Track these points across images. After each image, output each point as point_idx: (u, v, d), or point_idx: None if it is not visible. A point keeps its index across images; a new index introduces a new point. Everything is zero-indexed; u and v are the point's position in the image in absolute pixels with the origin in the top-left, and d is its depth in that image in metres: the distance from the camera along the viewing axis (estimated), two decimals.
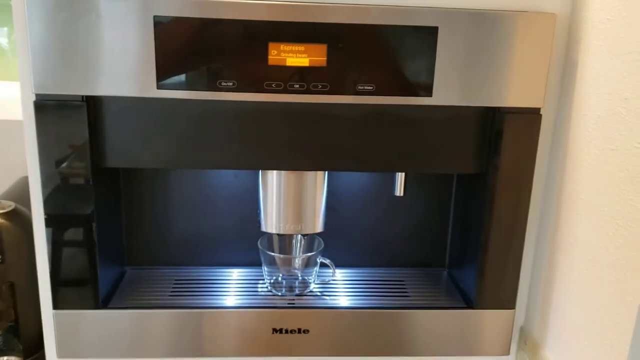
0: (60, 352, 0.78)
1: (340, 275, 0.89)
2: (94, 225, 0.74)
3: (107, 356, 0.79)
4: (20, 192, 1.14)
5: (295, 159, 0.75)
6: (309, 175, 0.80)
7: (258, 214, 0.83)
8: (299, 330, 0.80)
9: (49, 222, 0.74)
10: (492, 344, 0.83)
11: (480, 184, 0.78)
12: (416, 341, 0.82)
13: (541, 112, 0.74)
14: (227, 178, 0.87)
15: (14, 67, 1.04)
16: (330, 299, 0.83)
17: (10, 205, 1.03)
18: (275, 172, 0.79)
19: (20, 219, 1.03)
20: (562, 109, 0.77)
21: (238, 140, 0.73)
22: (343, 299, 0.83)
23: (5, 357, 1.06)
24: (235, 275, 0.88)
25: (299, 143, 0.74)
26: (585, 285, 0.70)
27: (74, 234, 0.74)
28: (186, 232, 0.89)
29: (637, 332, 0.58)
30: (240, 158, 0.74)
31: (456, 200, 0.89)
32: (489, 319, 0.82)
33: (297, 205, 0.81)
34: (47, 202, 0.73)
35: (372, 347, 0.81)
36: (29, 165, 0.73)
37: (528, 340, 0.83)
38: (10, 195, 1.13)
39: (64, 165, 0.72)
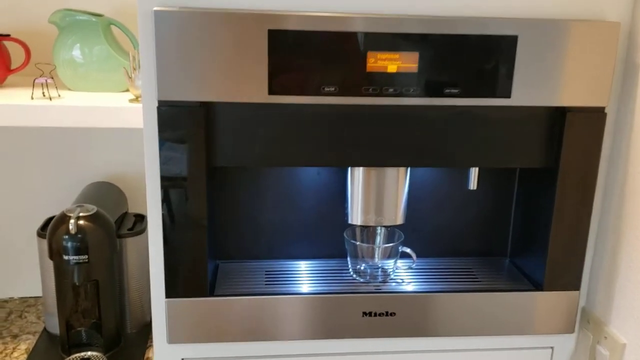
0: (171, 337, 0.85)
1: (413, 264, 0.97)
2: (205, 220, 0.81)
3: (214, 340, 0.86)
4: (94, 197, 1.21)
5: (384, 157, 0.83)
6: (392, 171, 0.88)
7: (345, 207, 0.90)
8: (386, 313, 0.88)
9: (166, 218, 0.81)
10: (558, 323, 0.91)
11: (547, 178, 0.87)
12: (491, 322, 0.90)
13: (605, 111, 0.83)
14: (310, 176, 0.95)
15: (92, 78, 1.11)
16: (412, 285, 0.91)
17: (93, 208, 1.10)
18: (362, 168, 0.88)
19: (102, 221, 1.10)
20: (624, 108, 0.85)
21: (336, 140, 0.81)
22: (423, 285, 0.91)
23: (89, 352, 1.12)
24: (319, 265, 0.96)
25: (388, 142, 0.82)
26: None
27: (186, 229, 0.81)
28: (272, 227, 0.96)
29: None
30: (337, 156, 0.82)
31: (518, 194, 0.97)
32: (556, 300, 0.90)
33: (381, 199, 0.89)
34: (165, 199, 0.80)
35: (451, 328, 0.89)
36: (147, 167, 0.80)
37: (591, 319, 0.91)
38: (84, 199, 1.19)
39: (181, 164, 0.79)
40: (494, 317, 0.90)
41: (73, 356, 1.11)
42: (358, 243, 0.92)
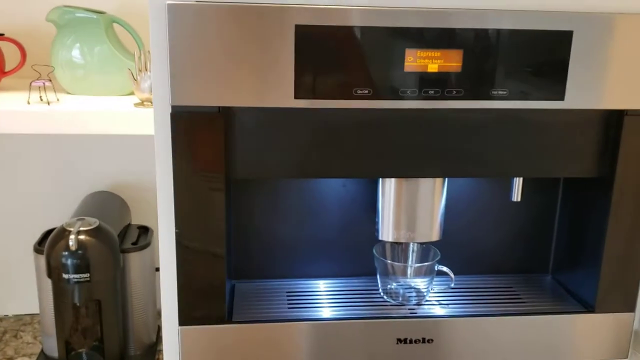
0: None
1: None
2: (224, 238, 0.73)
3: None
4: (95, 208, 1.13)
5: (420, 166, 0.75)
6: (428, 182, 0.79)
7: (376, 222, 0.82)
8: (423, 340, 0.79)
9: (180, 235, 0.72)
10: (610, 348, 0.83)
11: (600, 188, 0.79)
12: (536, 347, 0.81)
13: None
14: (335, 188, 0.87)
15: (93, 80, 1.02)
16: (451, 307, 0.82)
17: (95, 222, 1.02)
18: (394, 180, 0.79)
19: (104, 236, 1.01)
20: None
21: (368, 149, 0.73)
22: (462, 307, 0.83)
23: None
24: (345, 285, 0.87)
25: (426, 150, 0.74)
26: None
27: (203, 246, 0.73)
28: (292, 243, 0.87)
29: None
30: (369, 166, 0.74)
31: (562, 206, 0.89)
32: (609, 322, 0.82)
33: (414, 213, 0.80)
34: (179, 213, 0.72)
35: (496, 355, 0.81)
36: (158, 178, 0.72)
37: None
38: (85, 211, 1.11)
39: (197, 176, 0.70)
40: (540, 342, 0.82)
41: None
42: (389, 261, 0.83)
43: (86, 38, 1.00)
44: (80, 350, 1.04)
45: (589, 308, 0.82)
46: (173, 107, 0.69)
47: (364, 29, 0.68)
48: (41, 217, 1.21)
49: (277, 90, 0.68)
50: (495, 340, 0.80)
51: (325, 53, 0.68)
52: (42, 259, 1.05)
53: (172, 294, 0.75)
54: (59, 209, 1.21)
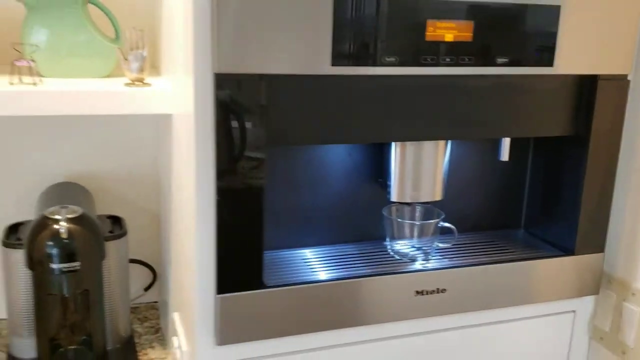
0: (221, 338, 0.77)
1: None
2: (263, 204, 0.75)
3: (268, 337, 0.79)
4: (60, 199, 1.07)
5: (435, 130, 0.82)
6: (433, 146, 0.87)
7: (387, 186, 0.88)
8: (438, 290, 0.86)
9: (220, 203, 0.73)
10: (584, 286, 0.95)
11: (575, 145, 0.90)
12: (529, 287, 0.91)
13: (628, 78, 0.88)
14: (341, 157, 0.91)
15: (67, 63, 0.98)
16: (455, 260, 0.90)
17: (78, 209, 0.98)
18: (407, 143, 0.85)
19: (89, 224, 0.98)
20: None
21: (393, 113, 0.78)
22: (465, 259, 0.91)
23: None
24: (358, 248, 0.92)
25: (440, 114, 0.81)
26: None
27: (242, 213, 0.74)
28: (303, 212, 0.91)
29: None
30: (396, 130, 0.79)
31: (532, 165, 1.00)
32: (585, 262, 0.93)
33: (421, 175, 0.87)
34: (220, 181, 0.72)
35: (496, 297, 0.89)
36: (197, 147, 0.72)
37: (613, 280, 0.96)
38: (50, 202, 1.05)
39: (238, 143, 0.72)
40: (530, 283, 0.92)
41: None
42: (399, 220, 0.89)
43: (60, 20, 0.96)
44: (69, 347, 0.99)
45: (568, 252, 0.93)
46: (216, 75, 0.70)
47: (391, 2, 0.73)
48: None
49: (316, 57, 0.72)
50: (495, 285, 0.89)
51: (360, 23, 0.73)
52: (14, 253, 0.99)
53: (208, 264, 0.75)
54: (17, 203, 1.14)
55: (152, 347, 1.13)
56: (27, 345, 1.03)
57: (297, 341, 0.82)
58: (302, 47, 0.71)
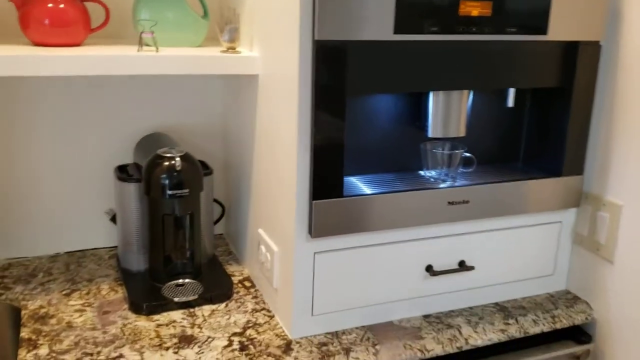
0: (315, 232, 1.06)
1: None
2: (343, 138, 1.04)
3: (343, 233, 1.09)
4: (154, 145, 1.34)
5: (463, 82, 1.11)
6: (458, 94, 1.17)
7: (425, 125, 1.17)
8: (463, 201, 1.16)
9: (316, 136, 1.02)
10: (569, 200, 1.26)
11: (561, 95, 1.21)
12: (527, 201, 1.22)
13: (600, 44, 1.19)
14: (388, 105, 1.20)
15: (168, 36, 1.25)
16: (475, 180, 1.20)
17: (182, 150, 1.25)
18: (440, 92, 1.15)
19: (192, 160, 1.26)
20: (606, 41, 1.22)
21: (433, 70, 1.08)
22: (482, 179, 1.21)
23: (180, 280, 1.28)
24: (401, 176, 1.22)
25: (466, 70, 1.10)
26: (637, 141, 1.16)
27: (330, 145, 1.03)
28: (358, 148, 1.20)
29: None
30: (437, 82, 1.09)
31: (529, 110, 1.30)
32: (568, 183, 1.25)
33: (450, 116, 1.17)
34: (315, 124, 1.01)
35: (504, 206, 1.20)
36: (300, 96, 1.00)
37: (589, 196, 1.28)
38: (147, 147, 1.32)
39: (329, 94, 1.01)
40: (530, 197, 1.22)
41: (173, 282, 1.26)
42: (434, 150, 1.19)
43: (166, 1, 1.23)
44: (178, 261, 1.27)
45: (556, 175, 1.24)
46: (316, 42, 0.98)
47: None
48: (99, 156, 1.41)
49: (383, 28, 1.01)
50: (504, 199, 1.20)
51: (413, 4, 1.02)
52: (127, 186, 1.27)
53: (305, 178, 1.04)
54: (115, 150, 1.41)
55: (230, 264, 1.42)
56: (138, 260, 1.32)
57: (363, 237, 1.12)
58: (375, 21, 1.00)
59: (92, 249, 1.47)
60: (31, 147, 1.37)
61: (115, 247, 1.47)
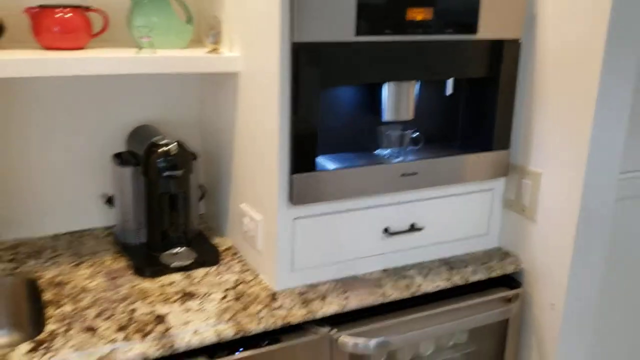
0: (296, 200, 1.29)
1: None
2: (318, 125, 1.27)
3: (318, 201, 1.32)
4: (146, 135, 1.54)
5: (411, 74, 1.36)
6: (407, 84, 1.41)
7: (381, 110, 1.42)
8: (413, 173, 1.41)
9: (294, 122, 1.24)
10: (499, 171, 1.53)
11: (491, 83, 1.47)
12: (465, 172, 1.48)
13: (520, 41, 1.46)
14: (349, 95, 1.44)
15: (159, 40, 1.45)
16: (421, 156, 1.45)
17: (174, 139, 1.45)
18: (392, 83, 1.40)
19: (184, 147, 1.46)
20: (528, 36, 1.49)
21: (387, 64, 1.32)
22: (426, 155, 1.46)
23: (175, 249, 1.48)
24: (363, 154, 1.46)
25: (414, 65, 1.35)
26: (553, 115, 1.44)
27: (305, 130, 1.26)
28: (325, 131, 1.43)
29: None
30: (390, 75, 1.33)
31: (468, 102, 1.56)
32: (498, 156, 1.52)
33: (401, 102, 1.42)
34: (295, 114, 1.24)
35: (446, 179, 1.46)
36: (280, 89, 1.23)
37: (515, 166, 1.55)
38: (139, 137, 1.51)
39: (304, 87, 1.23)
40: (467, 169, 1.49)
41: (169, 252, 1.46)
42: (388, 132, 1.44)
43: (155, 9, 1.43)
44: (174, 234, 1.48)
45: (487, 150, 1.51)
46: (294, 43, 1.21)
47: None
48: (97, 145, 1.59)
49: (345, 30, 1.24)
50: (444, 170, 1.45)
51: (371, 10, 1.26)
52: (124, 171, 1.46)
53: (285, 160, 1.27)
54: (108, 140, 1.60)
55: (212, 238, 1.63)
56: (135, 234, 1.51)
57: (333, 205, 1.36)
58: (340, 25, 1.23)
59: (89, 229, 1.66)
60: (31, 140, 1.54)
61: (110, 226, 1.66)
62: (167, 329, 1.18)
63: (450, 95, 1.53)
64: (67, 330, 1.17)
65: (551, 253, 1.49)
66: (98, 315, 1.22)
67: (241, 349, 1.22)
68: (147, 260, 1.44)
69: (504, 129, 1.51)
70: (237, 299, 1.30)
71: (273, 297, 1.32)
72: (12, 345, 1.13)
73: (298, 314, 1.28)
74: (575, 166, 1.39)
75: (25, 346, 1.11)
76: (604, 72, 1.32)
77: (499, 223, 1.62)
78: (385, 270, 1.47)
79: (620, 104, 1.37)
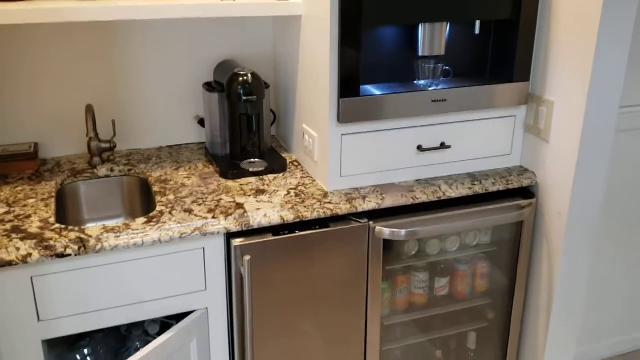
0: (342, 119, 1.64)
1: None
2: (360, 57, 1.59)
3: (361, 120, 1.66)
4: (230, 66, 1.91)
5: (442, 15, 1.65)
6: (440, 24, 1.70)
7: (417, 44, 1.72)
8: (443, 99, 1.72)
9: (342, 55, 1.58)
10: (520, 99, 1.81)
11: (512, 25, 1.73)
12: (489, 97, 1.77)
13: None
14: (391, 34, 1.75)
15: None
16: (451, 86, 1.75)
17: (250, 69, 1.82)
18: (427, 24, 1.69)
19: (257, 76, 1.82)
20: None
21: (419, 7, 1.62)
22: (456, 84, 1.76)
23: (252, 159, 1.87)
24: (403, 83, 1.77)
25: (444, 6, 1.64)
26: (564, 51, 1.69)
27: (352, 60, 1.59)
28: (370, 64, 1.75)
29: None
30: (424, 15, 1.63)
31: (494, 40, 1.83)
32: (519, 86, 1.79)
33: (434, 39, 1.71)
34: (342, 43, 1.57)
35: (477, 105, 1.76)
36: (330, 29, 1.55)
37: (533, 96, 1.82)
38: (225, 68, 1.89)
39: (352, 27, 1.56)
40: (490, 97, 1.78)
41: (247, 160, 1.85)
42: (423, 64, 1.74)
43: None
44: (250, 149, 1.87)
45: (510, 81, 1.78)
46: None
47: None
48: (187, 74, 1.99)
49: None
50: (473, 98, 1.75)
51: None
52: (212, 96, 1.85)
53: (334, 81, 1.61)
54: (198, 71, 1.99)
55: (282, 153, 2.01)
56: (221, 147, 1.91)
57: (374, 124, 1.69)
58: None
59: (185, 143, 2.08)
60: (144, 74, 1.96)
61: (201, 142, 2.07)
62: (244, 212, 1.58)
63: (478, 34, 1.80)
64: (170, 211, 1.59)
65: (559, 169, 1.77)
66: (193, 202, 1.64)
67: (297, 230, 1.61)
68: (230, 166, 1.84)
69: (524, 63, 1.78)
70: (297, 195, 1.68)
71: (325, 195, 1.69)
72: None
73: (343, 207, 1.65)
74: (580, 94, 1.66)
75: (142, 219, 1.54)
76: (604, 5, 1.55)
77: (520, 144, 1.90)
78: (417, 180, 1.80)
79: (621, 38, 1.61)
